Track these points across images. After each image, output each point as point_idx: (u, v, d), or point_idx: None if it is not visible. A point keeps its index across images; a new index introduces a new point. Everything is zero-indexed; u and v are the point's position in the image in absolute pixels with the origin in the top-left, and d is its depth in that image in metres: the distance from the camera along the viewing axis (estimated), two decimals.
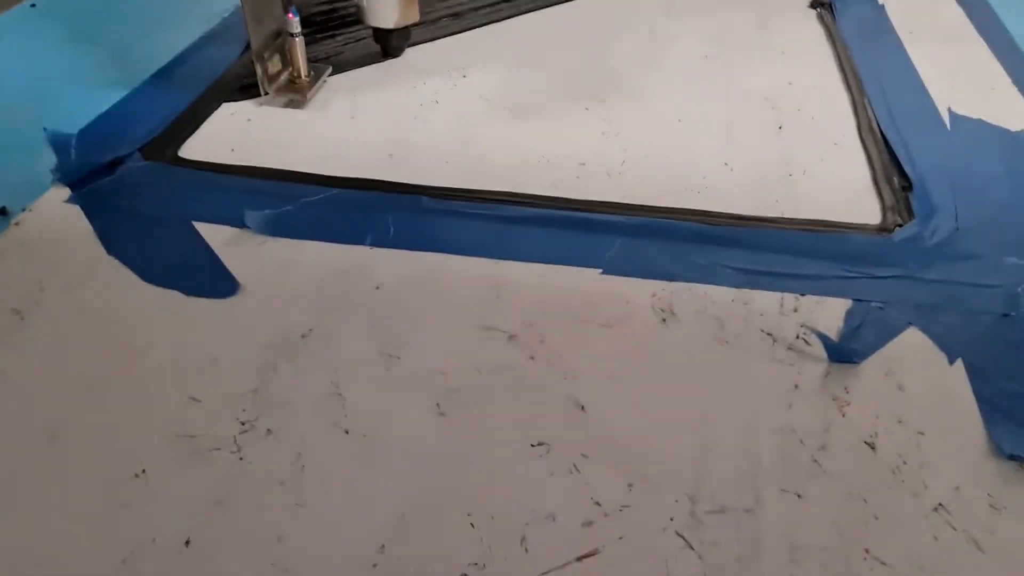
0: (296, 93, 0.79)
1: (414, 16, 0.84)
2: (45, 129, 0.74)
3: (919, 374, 0.51)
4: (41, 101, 0.80)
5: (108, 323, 0.55)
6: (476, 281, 0.58)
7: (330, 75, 0.83)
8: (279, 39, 0.79)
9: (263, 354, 0.52)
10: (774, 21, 0.96)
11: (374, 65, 0.87)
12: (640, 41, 0.92)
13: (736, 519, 0.43)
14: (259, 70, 0.77)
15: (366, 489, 0.44)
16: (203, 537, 0.42)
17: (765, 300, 0.57)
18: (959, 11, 0.99)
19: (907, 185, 0.67)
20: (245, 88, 0.81)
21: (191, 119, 0.76)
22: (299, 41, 0.78)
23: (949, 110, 0.77)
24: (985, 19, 0.97)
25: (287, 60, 0.80)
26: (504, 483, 0.45)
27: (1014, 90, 0.81)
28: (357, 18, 0.86)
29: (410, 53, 0.89)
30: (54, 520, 0.43)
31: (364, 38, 0.90)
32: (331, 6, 0.97)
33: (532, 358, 0.52)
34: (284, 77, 0.81)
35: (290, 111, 0.78)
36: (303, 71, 0.80)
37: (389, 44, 0.87)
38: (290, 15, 0.76)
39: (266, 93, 0.78)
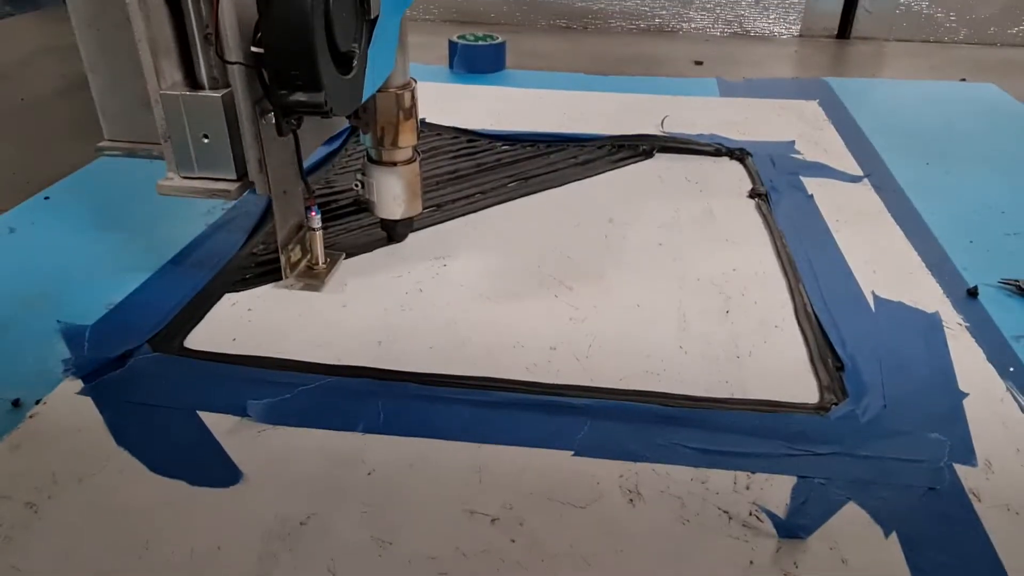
0: (314, 279, 0.90)
1: (417, 208, 0.97)
2: (59, 322, 0.81)
3: (859, 547, 0.57)
4: (55, 293, 0.87)
5: (118, 514, 0.59)
6: (460, 465, 0.64)
7: (344, 259, 0.94)
8: (301, 231, 0.90)
9: (264, 542, 0.57)
10: (718, 210, 1.09)
11: (373, 252, 0.96)
12: (601, 230, 1.03)
13: None
14: (283, 259, 0.87)
15: None
16: None
17: (720, 479, 0.63)
18: (876, 199, 1.13)
19: (840, 365, 0.76)
20: (247, 280, 0.89)
21: (196, 310, 0.84)
22: (319, 234, 0.89)
23: (873, 293, 0.88)
24: (899, 205, 1.11)
25: (306, 249, 0.91)
26: None
27: (927, 274, 0.93)
28: (366, 208, 0.98)
29: (395, 245, 0.98)
30: None
31: (368, 226, 1.01)
32: (342, 196, 1.09)
33: (512, 541, 0.57)
34: (303, 264, 0.91)
35: (289, 302, 0.86)
36: (321, 259, 0.91)
37: (395, 232, 0.98)
38: (312, 213, 0.87)
39: (286, 278, 0.88)
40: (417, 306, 0.86)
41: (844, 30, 2.16)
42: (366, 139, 0.91)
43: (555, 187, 1.15)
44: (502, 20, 2.22)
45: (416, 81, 0.91)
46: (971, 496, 0.61)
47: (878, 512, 0.60)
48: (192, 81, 0.77)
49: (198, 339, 0.80)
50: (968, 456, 0.65)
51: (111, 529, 0.58)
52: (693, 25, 2.19)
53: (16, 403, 0.71)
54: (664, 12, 2.17)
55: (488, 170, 1.20)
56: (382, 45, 0.79)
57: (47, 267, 0.92)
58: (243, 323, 0.82)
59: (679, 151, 1.29)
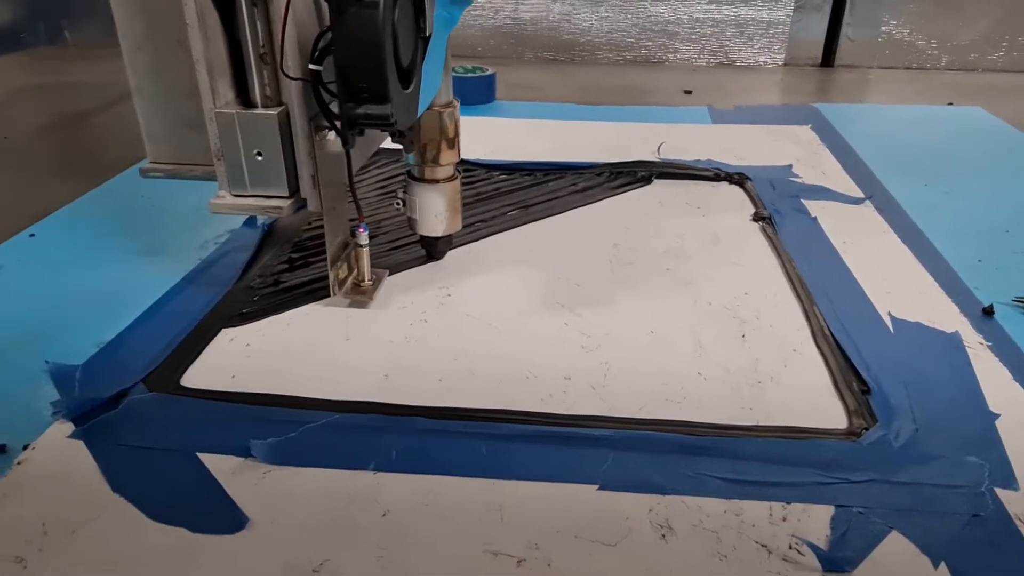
0: (361, 295, 0.89)
1: (458, 225, 0.97)
2: (47, 362, 0.76)
3: None
4: (43, 332, 0.83)
5: (112, 567, 0.55)
6: (479, 503, 0.61)
7: (388, 276, 0.94)
8: (347, 248, 0.89)
9: None
10: (723, 234, 1.07)
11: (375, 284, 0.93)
12: (606, 255, 1.01)
13: None
14: (331, 276, 0.86)
15: None
16: None
17: (755, 510, 0.60)
18: (880, 220, 1.12)
19: (866, 389, 0.73)
20: (244, 315, 0.86)
21: (192, 346, 0.80)
22: (366, 251, 0.88)
23: (890, 315, 0.86)
24: (904, 225, 1.10)
25: (352, 266, 0.90)
26: None
27: (941, 293, 0.91)
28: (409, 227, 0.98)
29: (396, 277, 0.95)
30: None
31: (406, 244, 1.02)
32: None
33: None
34: (350, 281, 0.90)
35: (289, 336, 0.83)
36: (367, 276, 0.90)
37: (436, 249, 0.98)
38: (360, 229, 0.86)
39: (334, 295, 0.87)
40: (423, 337, 0.83)
41: (828, 58, 2.19)
42: (409, 157, 0.91)
43: (556, 214, 1.14)
44: (490, 53, 2.23)
45: (458, 100, 0.91)
46: (1017, 522, 0.59)
47: (923, 541, 0.57)
48: (244, 100, 0.77)
49: (195, 377, 0.76)
50: (1008, 480, 0.63)
51: None
52: (679, 56, 2.21)
53: (2, 449, 0.66)
54: (650, 43, 2.19)
55: (487, 199, 1.18)
56: (432, 63, 0.79)
57: (35, 305, 0.88)
58: (242, 359, 0.79)
59: (677, 176, 1.28)
